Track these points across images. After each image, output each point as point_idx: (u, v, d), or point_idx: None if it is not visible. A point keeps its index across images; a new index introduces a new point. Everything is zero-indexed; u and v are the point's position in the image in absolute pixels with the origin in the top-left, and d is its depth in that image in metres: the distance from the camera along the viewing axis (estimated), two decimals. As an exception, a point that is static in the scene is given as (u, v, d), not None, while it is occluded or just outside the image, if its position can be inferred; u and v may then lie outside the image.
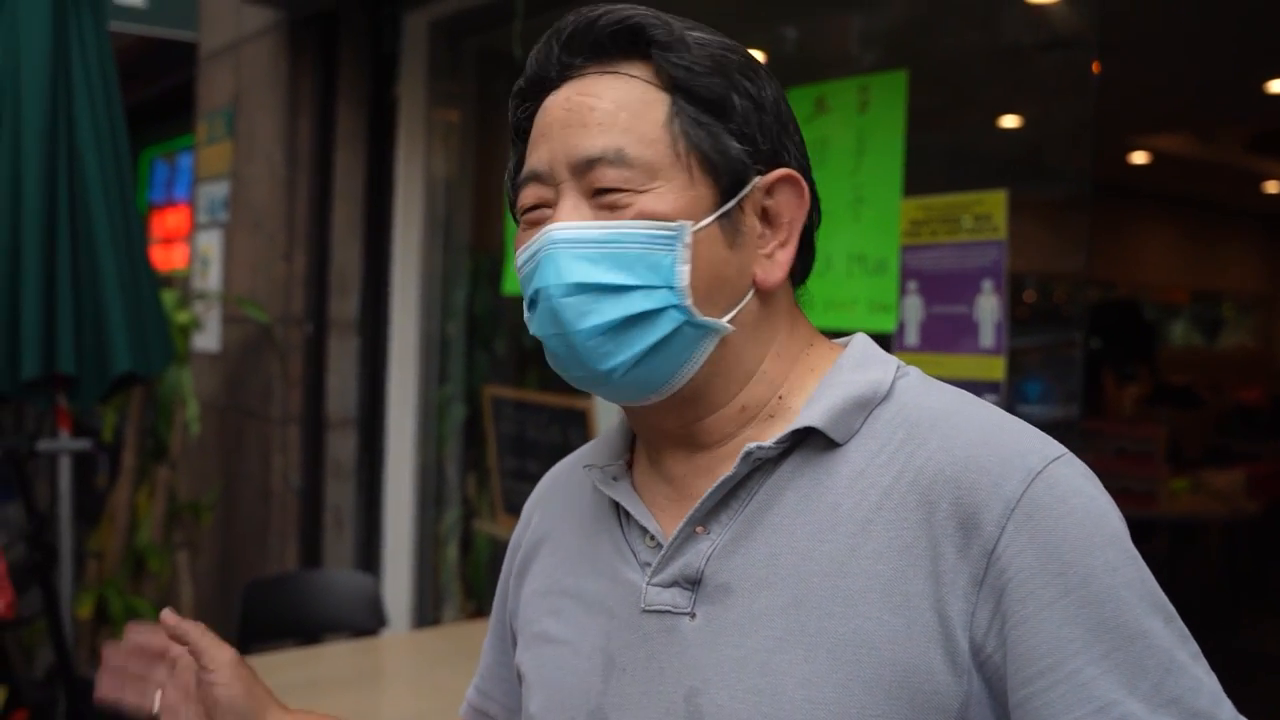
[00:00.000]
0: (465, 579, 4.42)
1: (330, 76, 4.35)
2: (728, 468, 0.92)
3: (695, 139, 0.91)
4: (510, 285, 3.71)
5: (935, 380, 0.95)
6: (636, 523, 0.97)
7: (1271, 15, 3.86)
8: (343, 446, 4.40)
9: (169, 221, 6.89)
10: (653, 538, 0.96)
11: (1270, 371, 9.42)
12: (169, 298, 4.14)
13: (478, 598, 4.39)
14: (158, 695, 1.07)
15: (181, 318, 4.24)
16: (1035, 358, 2.66)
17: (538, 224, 0.93)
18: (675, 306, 0.89)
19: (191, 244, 5.12)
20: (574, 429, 3.67)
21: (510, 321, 4.36)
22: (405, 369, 4.36)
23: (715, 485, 0.91)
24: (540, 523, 1.12)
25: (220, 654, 1.05)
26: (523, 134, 0.98)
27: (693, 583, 0.92)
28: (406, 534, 4.38)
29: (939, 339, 2.55)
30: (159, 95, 6.21)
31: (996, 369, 2.43)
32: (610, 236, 0.89)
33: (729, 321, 0.92)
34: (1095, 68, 2.46)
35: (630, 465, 1.03)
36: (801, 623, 0.86)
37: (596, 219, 0.90)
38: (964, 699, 0.81)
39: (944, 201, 2.54)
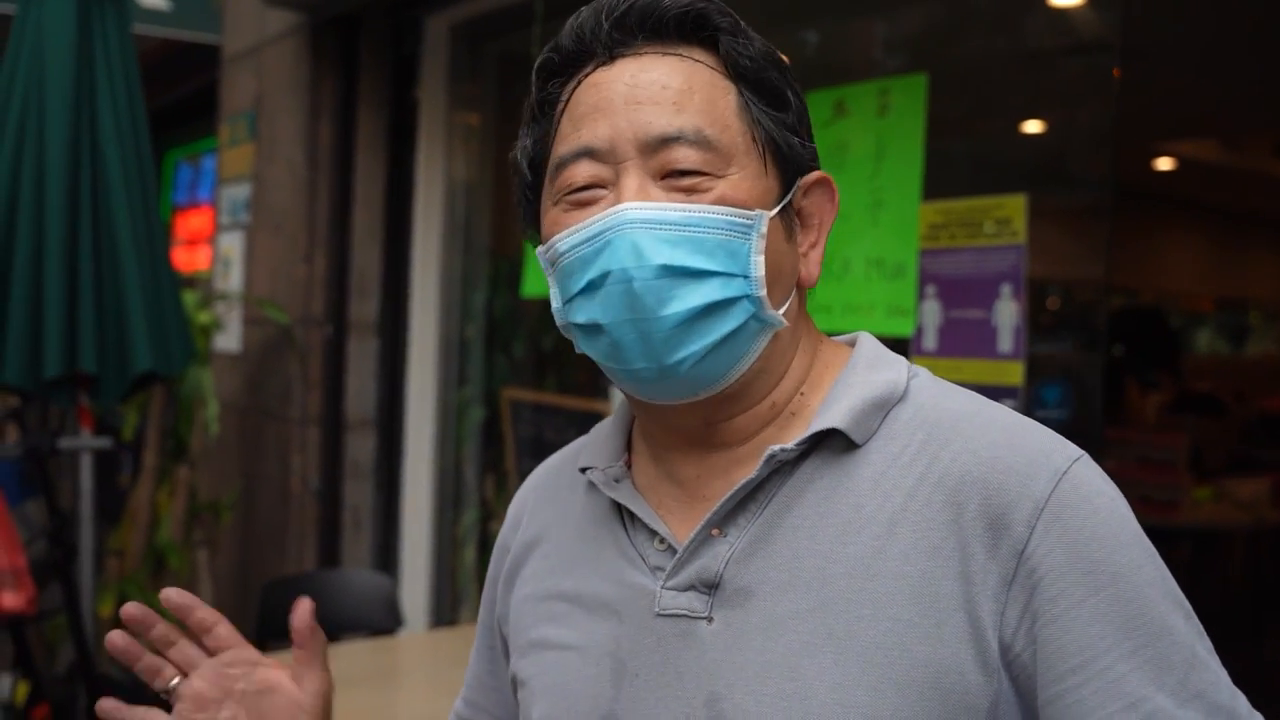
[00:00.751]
0: (482, 580, 4.37)
1: (351, 79, 4.37)
2: (744, 469, 0.91)
3: (767, 128, 0.89)
4: (531, 288, 3.71)
5: (944, 380, 0.95)
6: (643, 525, 0.95)
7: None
8: (361, 447, 4.41)
9: (192, 223, 6.94)
10: (663, 540, 0.93)
11: (1296, 380, 9.33)
12: (190, 298, 4.17)
13: None
14: (176, 678, 1.02)
15: (203, 318, 4.27)
16: (1054, 363, 2.65)
17: (590, 204, 0.89)
18: (749, 297, 0.87)
19: (214, 245, 5.15)
20: None
21: (529, 324, 4.35)
22: (424, 371, 4.37)
23: (735, 488, 0.90)
24: (530, 525, 1.09)
25: (317, 683, 1.02)
26: (547, 110, 0.94)
27: (710, 586, 0.90)
28: (424, 535, 4.39)
29: (957, 344, 2.54)
30: (183, 98, 6.26)
31: (1015, 374, 2.41)
32: (692, 220, 0.85)
33: (783, 317, 0.90)
34: (1116, 73, 2.45)
35: (628, 466, 1.00)
36: (829, 626, 0.84)
37: (669, 201, 0.86)
38: (994, 698, 0.81)
39: (963, 205, 2.52)
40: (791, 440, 0.90)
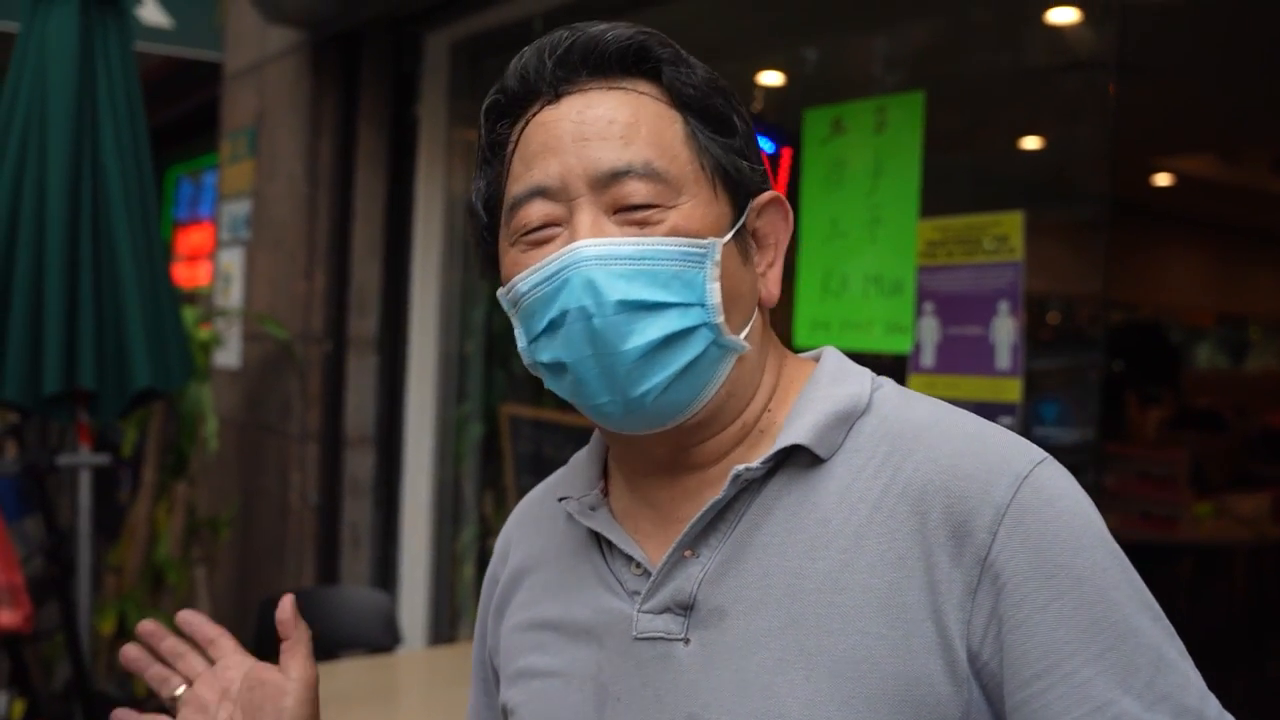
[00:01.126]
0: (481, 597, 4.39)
1: (352, 96, 4.39)
2: (714, 490, 0.91)
3: (714, 155, 0.90)
4: None
5: (911, 391, 0.96)
6: (620, 551, 0.96)
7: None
8: (360, 464, 4.40)
9: (193, 239, 6.96)
10: (639, 565, 0.94)
11: (1297, 395, 9.32)
12: (190, 314, 4.17)
13: None
14: (181, 686, 1.05)
15: (203, 334, 4.28)
16: (1053, 380, 2.65)
17: (546, 242, 0.89)
18: (706, 325, 0.87)
19: (214, 261, 5.16)
20: None
21: None
22: (423, 387, 4.37)
23: (704, 509, 0.90)
24: (516, 557, 1.10)
25: (301, 670, 1.03)
26: (498, 151, 0.95)
27: (685, 608, 0.90)
28: (423, 552, 4.38)
29: (955, 360, 2.54)
30: (184, 114, 6.29)
31: (1013, 391, 2.41)
32: (645, 253, 0.86)
33: (745, 339, 0.90)
34: (1112, 89, 2.46)
35: (605, 493, 1.01)
36: (800, 642, 0.85)
37: (623, 235, 0.87)
38: (965, 708, 0.82)
39: (961, 223, 2.53)
40: (758, 459, 0.90)
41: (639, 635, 0.92)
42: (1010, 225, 2.45)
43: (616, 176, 0.87)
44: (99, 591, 4.00)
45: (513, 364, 4.41)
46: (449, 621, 4.39)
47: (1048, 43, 2.73)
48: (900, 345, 2.61)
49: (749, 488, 0.91)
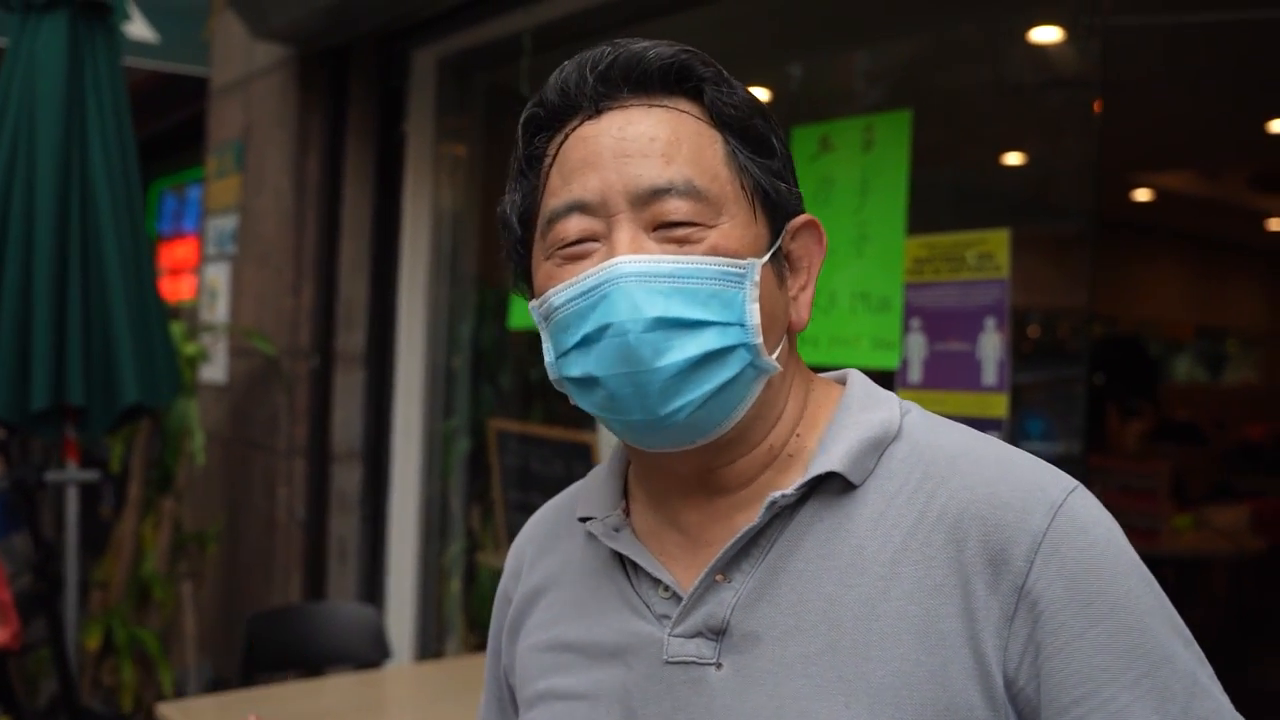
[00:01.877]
0: (469, 611, 4.40)
1: (339, 112, 4.39)
2: (746, 514, 0.91)
3: (754, 175, 0.90)
4: (518, 320, 3.71)
5: (936, 416, 0.96)
6: (647, 574, 0.95)
7: (1273, 55, 3.90)
8: (347, 479, 4.39)
9: (177, 253, 6.93)
10: (667, 588, 0.93)
11: (1275, 408, 9.41)
12: (177, 329, 4.16)
13: (481, 630, 4.35)
14: None
15: (189, 349, 4.26)
16: (1038, 394, 2.68)
17: (583, 257, 0.89)
18: (745, 345, 0.87)
19: (200, 276, 5.14)
20: (578, 462, 3.66)
21: (515, 355, 4.36)
22: (411, 402, 4.37)
23: (738, 535, 0.90)
24: (531, 576, 1.08)
25: None
26: (534, 164, 0.94)
27: (718, 632, 0.90)
28: (410, 566, 4.37)
29: (942, 376, 2.57)
30: (169, 128, 6.27)
31: (999, 406, 2.44)
32: (685, 271, 0.85)
33: (777, 361, 0.90)
34: (1097, 106, 2.50)
35: (626, 512, 1.00)
36: (838, 668, 0.85)
37: (661, 252, 0.86)
38: None
39: (947, 240, 2.56)
40: (791, 484, 0.90)
41: (670, 659, 0.91)
42: (997, 243, 2.48)
43: (657, 194, 0.86)
44: (85, 607, 3.98)
45: (500, 378, 4.42)
46: (436, 636, 4.38)
47: (1034, 61, 2.77)
48: (888, 361, 2.63)
49: (782, 513, 0.90)
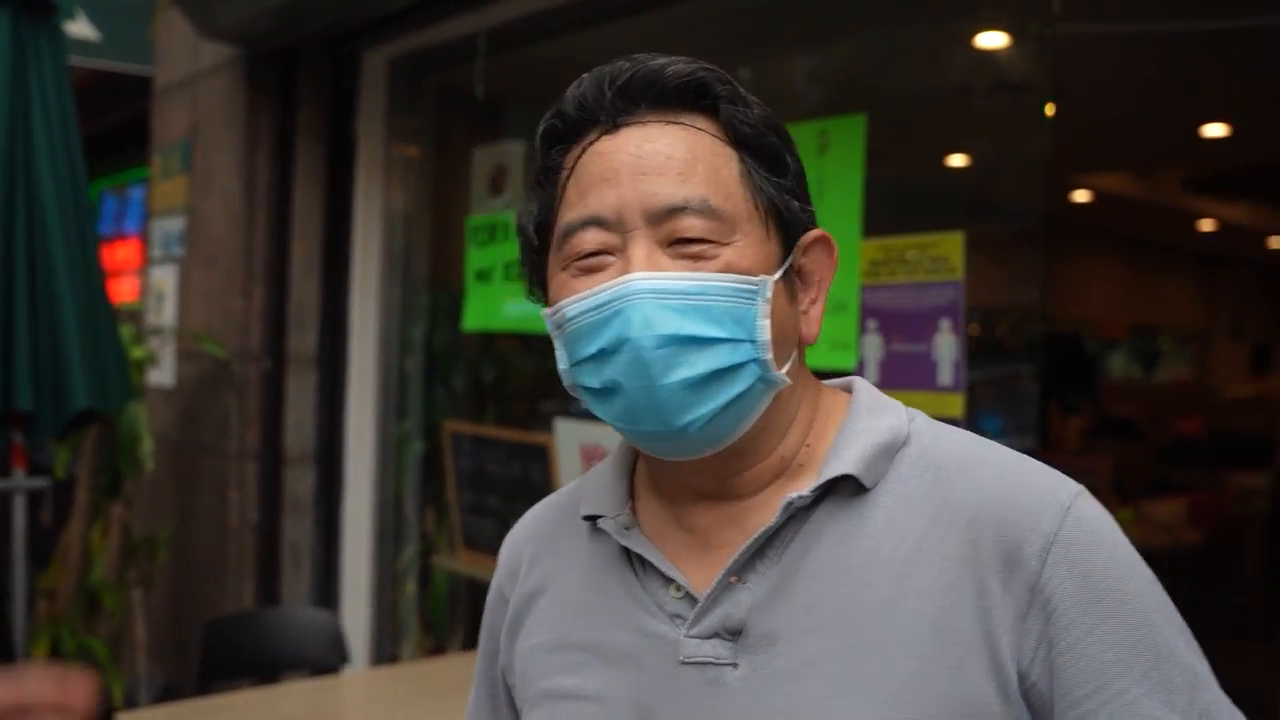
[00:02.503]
0: (424, 614, 4.41)
1: (289, 112, 4.38)
2: (759, 517, 0.93)
3: (768, 194, 0.91)
4: (471, 322, 3.74)
5: (938, 422, 0.99)
6: (656, 573, 0.96)
7: (1210, 62, 4.03)
8: (301, 482, 4.39)
9: (118, 254, 6.84)
10: (679, 588, 0.95)
11: (1206, 403, 9.69)
12: (125, 332, 4.12)
13: (436, 633, 4.39)
14: None
15: (137, 353, 4.22)
16: (992, 392, 2.74)
17: (597, 270, 0.91)
18: (755, 360, 0.89)
19: (145, 279, 5.10)
20: (534, 464, 3.69)
21: (469, 357, 4.38)
22: (364, 404, 4.37)
23: (754, 536, 0.92)
24: (531, 575, 1.09)
25: None
26: (551, 176, 0.96)
27: (734, 633, 0.91)
28: (364, 569, 4.38)
29: (898, 377, 2.61)
30: (109, 128, 6.18)
31: (955, 406, 2.49)
32: (698, 289, 0.87)
33: (786, 375, 0.92)
34: (1050, 110, 2.56)
35: (633, 512, 1.01)
36: (857, 666, 0.87)
37: (676, 269, 0.88)
38: None
39: (902, 243, 2.61)
40: (806, 488, 0.92)
41: (685, 660, 0.92)
42: (950, 245, 2.53)
43: (673, 212, 0.88)
44: (31, 616, 3.92)
45: (453, 380, 4.44)
46: (392, 640, 4.39)
47: (986, 66, 2.83)
48: (844, 362, 2.67)
49: (795, 516, 0.92)
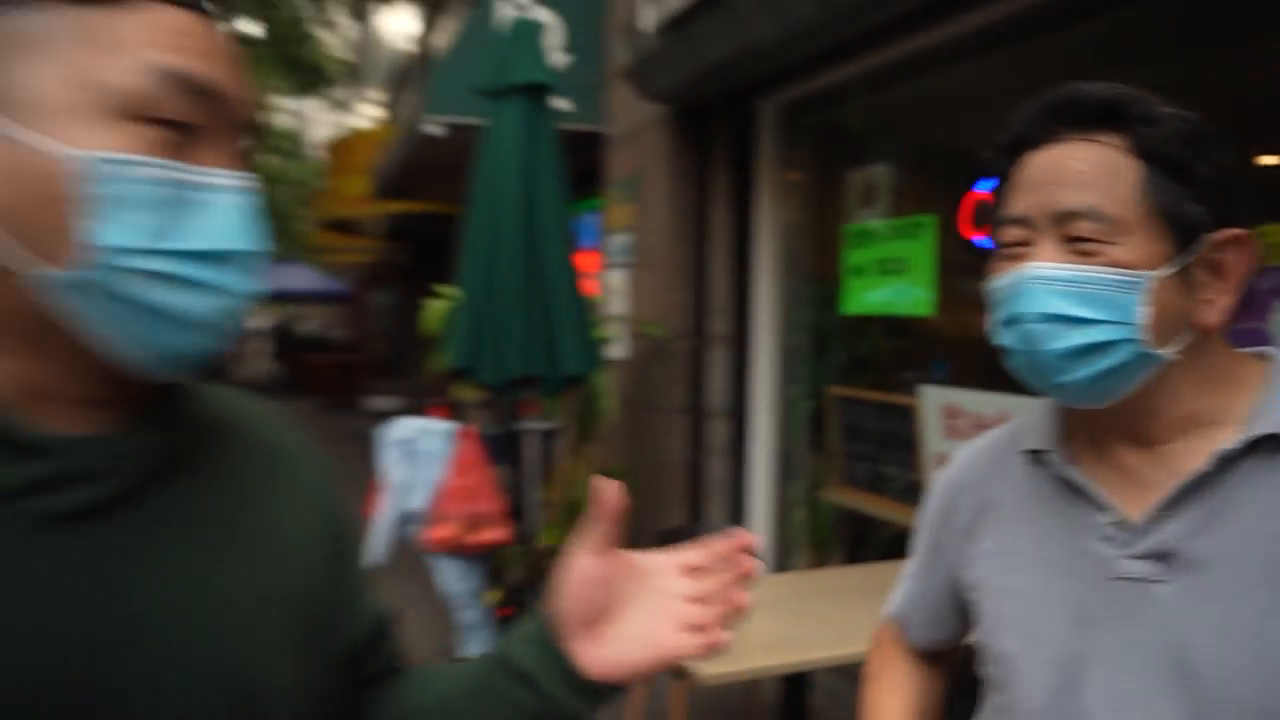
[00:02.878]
0: (811, 535, 4.65)
1: (705, 151, 4.77)
2: (1184, 463, 0.96)
3: (1162, 201, 0.93)
4: (850, 306, 3.98)
5: None
6: (1091, 501, 1.01)
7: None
8: (717, 431, 4.76)
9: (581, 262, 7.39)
10: (1112, 515, 0.98)
11: None
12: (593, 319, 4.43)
13: (820, 550, 4.62)
14: None
15: (600, 334, 4.58)
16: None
17: (1015, 259, 0.98)
18: (1130, 340, 0.92)
19: (603, 279, 5.54)
20: (900, 420, 3.90)
21: (847, 335, 4.50)
22: (764, 372, 4.70)
23: (1187, 479, 0.94)
24: (977, 492, 1.15)
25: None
26: (1003, 181, 1.02)
27: (1165, 556, 0.94)
28: (765, 499, 4.75)
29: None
30: (568, 172, 6.64)
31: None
32: (1081, 278, 0.92)
33: (1174, 352, 0.94)
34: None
35: (1066, 448, 1.05)
36: None
37: (1069, 261, 0.93)
38: None
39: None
40: (1232, 441, 0.94)
41: (1119, 575, 0.97)
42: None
43: (1070, 215, 0.94)
44: (539, 518, 4.51)
45: (834, 354, 4.60)
46: (786, 554, 4.71)
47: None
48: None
49: (1223, 465, 0.94)
